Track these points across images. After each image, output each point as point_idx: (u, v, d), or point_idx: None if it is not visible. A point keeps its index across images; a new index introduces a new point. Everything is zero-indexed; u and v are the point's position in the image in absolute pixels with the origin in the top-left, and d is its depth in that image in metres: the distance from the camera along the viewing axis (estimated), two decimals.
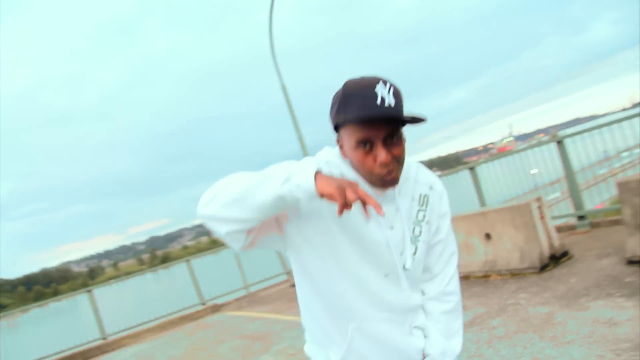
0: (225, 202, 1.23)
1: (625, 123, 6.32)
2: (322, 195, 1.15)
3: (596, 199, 7.94)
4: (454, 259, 1.55)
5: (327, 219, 1.33)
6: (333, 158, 1.40)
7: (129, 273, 11.92)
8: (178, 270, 11.24)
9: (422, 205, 1.46)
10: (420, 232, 1.45)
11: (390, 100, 1.23)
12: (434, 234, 1.50)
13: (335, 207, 1.28)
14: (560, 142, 6.85)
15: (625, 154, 9.18)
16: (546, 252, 5.37)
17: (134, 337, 9.34)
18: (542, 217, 5.48)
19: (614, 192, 7.61)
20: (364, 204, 1.14)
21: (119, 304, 10.00)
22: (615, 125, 6.43)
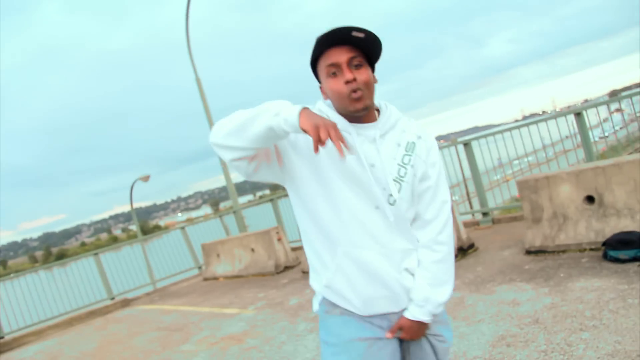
0: (227, 132, 1.43)
1: (515, 133, 7.00)
2: (303, 130, 1.33)
3: (492, 202, 8.66)
4: (446, 208, 1.63)
5: (317, 153, 1.45)
6: (323, 107, 1.59)
7: (18, 271, 11.11)
8: (81, 266, 10.73)
9: (408, 150, 1.58)
10: (405, 173, 1.55)
11: (356, 29, 1.44)
12: (422, 180, 1.59)
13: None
14: (467, 145, 7.43)
15: (516, 161, 10.07)
16: (456, 244, 5.83)
17: (37, 335, 8.78)
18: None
19: (507, 196, 8.36)
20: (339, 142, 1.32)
21: (15, 301, 9.31)
22: (507, 134, 7.10)
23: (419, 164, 1.58)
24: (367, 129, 1.55)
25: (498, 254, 5.50)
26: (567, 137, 7.33)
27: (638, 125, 10.14)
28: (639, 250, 3.97)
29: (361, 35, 1.45)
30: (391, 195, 1.52)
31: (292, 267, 8.49)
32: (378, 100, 1.64)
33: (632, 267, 3.91)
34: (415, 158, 1.58)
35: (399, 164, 1.55)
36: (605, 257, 4.24)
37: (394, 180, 1.54)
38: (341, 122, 1.53)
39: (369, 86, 1.51)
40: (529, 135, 6.93)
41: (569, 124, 6.73)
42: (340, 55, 1.48)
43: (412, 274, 1.60)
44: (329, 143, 1.47)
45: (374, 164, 1.53)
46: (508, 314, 3.75)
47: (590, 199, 4.72)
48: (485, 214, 7.38)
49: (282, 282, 7.52)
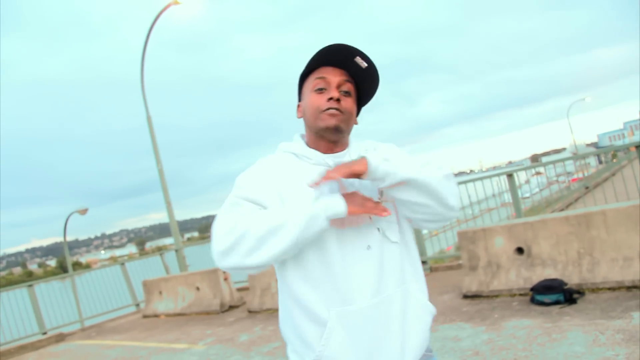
0: (245, 252, 1.28)
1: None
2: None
3: (430, 251, 9.27)
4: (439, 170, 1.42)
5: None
6: (290, 146, 1.52)
7: None
8: (13, 297, 10.30)
9: None
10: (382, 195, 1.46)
11: (361, 55, 1.42)
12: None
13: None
14: None
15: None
16: None
17: None
18: None
19: (445, 245, 9.04)
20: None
21: None
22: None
23: None
24: (342, 157, 1.48)
25: (438, 299, 6.02)
26: (497, 194, 8.16)
27: (559, 187, 11.31)
28: (560, 294, 4.60)
29: (364, 65, 1.42)
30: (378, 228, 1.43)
31: (237, 307, 8.66)
32: (352, 138, 1.57)
33: (555, 309, 4.51)
34: None
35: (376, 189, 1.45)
36: (533, 300, 4.84)
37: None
38: (316, 156, 1.46)
39: (348, 116, 1.45)
40: (465, 190, 7.67)
41: (500, 182, 7.54)
42: (334, 75, 1.43)
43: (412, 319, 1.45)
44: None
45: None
46: (451, 348, 4.21)
47: (520, 250, 5.37)
48: (424, 262, 7.97)
49: (228, 320, 7.69)
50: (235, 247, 1.27)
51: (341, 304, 1.35)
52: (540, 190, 13.12)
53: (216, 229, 1.33)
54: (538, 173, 11.94)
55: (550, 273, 5.01)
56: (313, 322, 1.38)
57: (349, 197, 1.32)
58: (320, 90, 1.43)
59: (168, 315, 9.43)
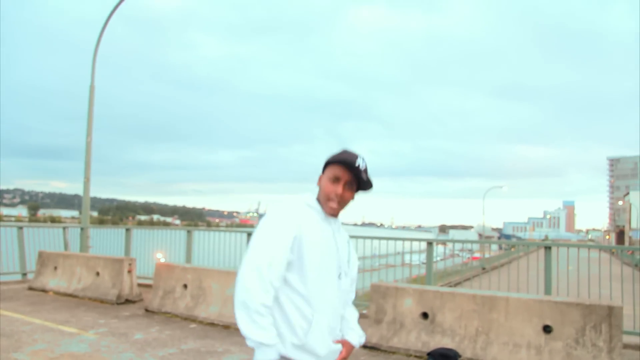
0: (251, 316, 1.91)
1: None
2: None
3: None
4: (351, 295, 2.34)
5: (309, 256, 2.02)
6: (312, 202, 2.13)
7: None
8: None
9: (350, 244, 2.26)
10: (349, 260, 2.21)
11: (361, 164, 2.07)
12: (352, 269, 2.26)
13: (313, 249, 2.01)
14: None
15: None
16: None
17: None
18: None
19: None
20: None
21: None
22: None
23: (353, 255, 2.27)
24: (334, 223, 2.17)
25: None
26: (400, 253, 8.70)
27: (461, 260, 12.11)
28: None
29: (365, 178, 2.08)
30: (345, 273, 2.16)
31: (134, 302, 8.44)
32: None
33: None
34: (352, 251, 2.27)
35: (349, 251, 2.22)
36: None
37: (348, 261, 2.19)
38: (321, 215, 2.13)
39: (346, 202, 2.14)
40: (379, 243, 8.15)
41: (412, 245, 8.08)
42: (345, 175, 2.08)
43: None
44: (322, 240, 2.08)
45: (339, 249, 2.14)
46: None
47: (425, 315, 5.75)
48: None
49: (123, 314, 7.49)
50: (247, 311, 1.91)
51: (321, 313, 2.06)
52: (443, 259, 14.03)
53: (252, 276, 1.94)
54: (444, 243, 12.75)
55: (447, 342, 5.41)
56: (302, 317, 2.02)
57: None
58: (335, 181, 2.07)
59: (58, 293, 8.99)
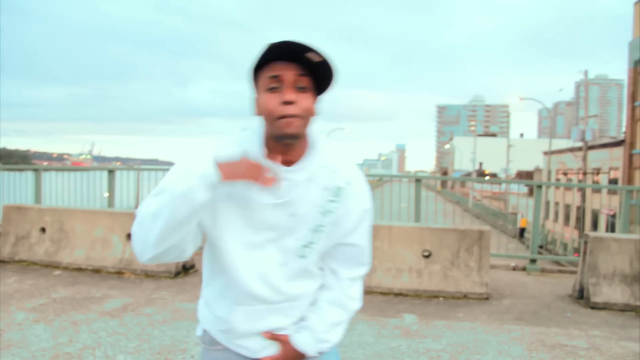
0: (155, 242, 1.27)
1: None
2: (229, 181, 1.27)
3: None
4: (363, 269, 1.57)
5: (229, 201, 1.37)
6: (245, 138, 1.41)
7: None
8: None
9: (335, 197, 1.41)
10: (327, 222, 1.42)
11: (314, 52, 1.25)
12: (346, 234, 1.47)
13: (234, 191, 1.35)
14: None
15: None
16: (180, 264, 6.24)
17: None
18: None
19: None
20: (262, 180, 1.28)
21: None
22: None
23: (344, 215, 1.44)
24: (295, 172, 1.36)
25: None
26: None
27: None
28: None
29: (319, 59, 1.26)
30: (306, 246, 1.42)
31: None
32: (313, 131, 1.41)
33: None
34: (340, 208, 1.42)
35: (320, 212, 1.40)
36: None
37: (313, 230, 1.41)
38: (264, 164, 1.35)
39: (308, 115, 1.31)
40: None
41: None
42: (288, 70, 1.27)
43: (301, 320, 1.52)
44: (241, 191, 1.35)
45: (295, 213, 1.38)
46: None
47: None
48: None
49: None
50: (145, 243, 1.32)
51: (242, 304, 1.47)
52: None
53: None
54: None
55: None
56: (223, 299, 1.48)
57: (232, 166, 1.28)
58: (274, 89, 1.28)
59: None
